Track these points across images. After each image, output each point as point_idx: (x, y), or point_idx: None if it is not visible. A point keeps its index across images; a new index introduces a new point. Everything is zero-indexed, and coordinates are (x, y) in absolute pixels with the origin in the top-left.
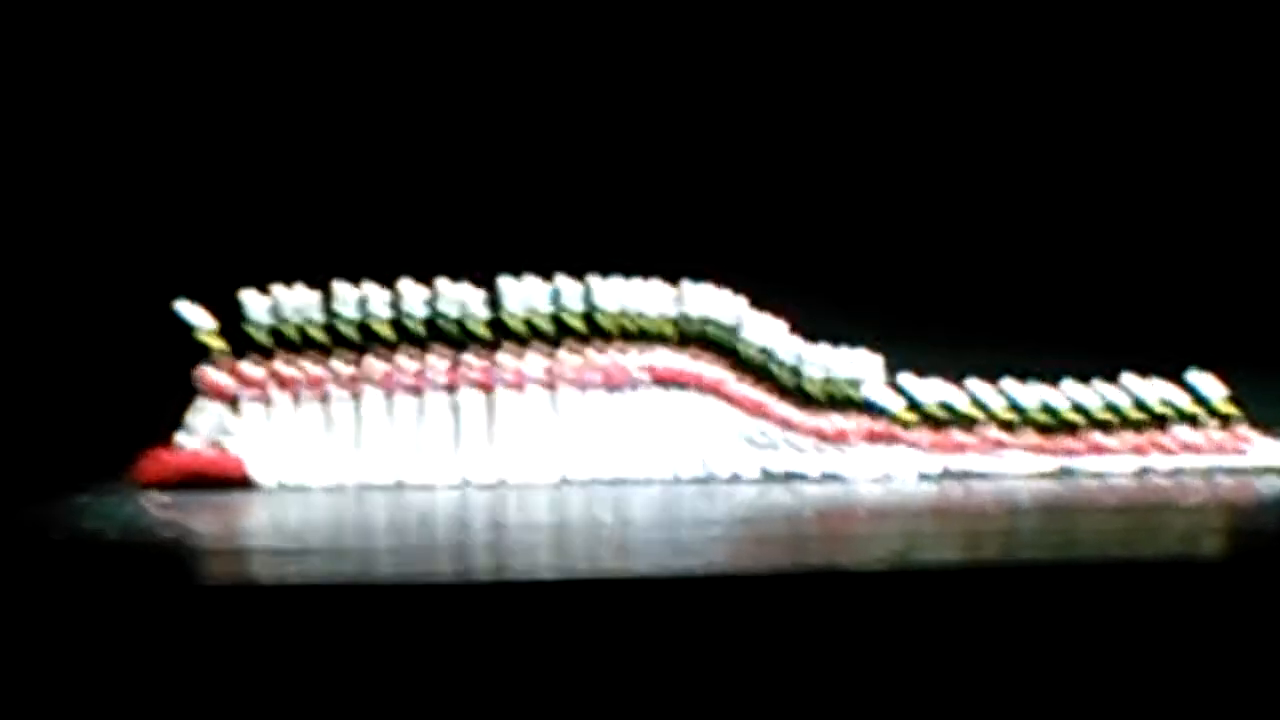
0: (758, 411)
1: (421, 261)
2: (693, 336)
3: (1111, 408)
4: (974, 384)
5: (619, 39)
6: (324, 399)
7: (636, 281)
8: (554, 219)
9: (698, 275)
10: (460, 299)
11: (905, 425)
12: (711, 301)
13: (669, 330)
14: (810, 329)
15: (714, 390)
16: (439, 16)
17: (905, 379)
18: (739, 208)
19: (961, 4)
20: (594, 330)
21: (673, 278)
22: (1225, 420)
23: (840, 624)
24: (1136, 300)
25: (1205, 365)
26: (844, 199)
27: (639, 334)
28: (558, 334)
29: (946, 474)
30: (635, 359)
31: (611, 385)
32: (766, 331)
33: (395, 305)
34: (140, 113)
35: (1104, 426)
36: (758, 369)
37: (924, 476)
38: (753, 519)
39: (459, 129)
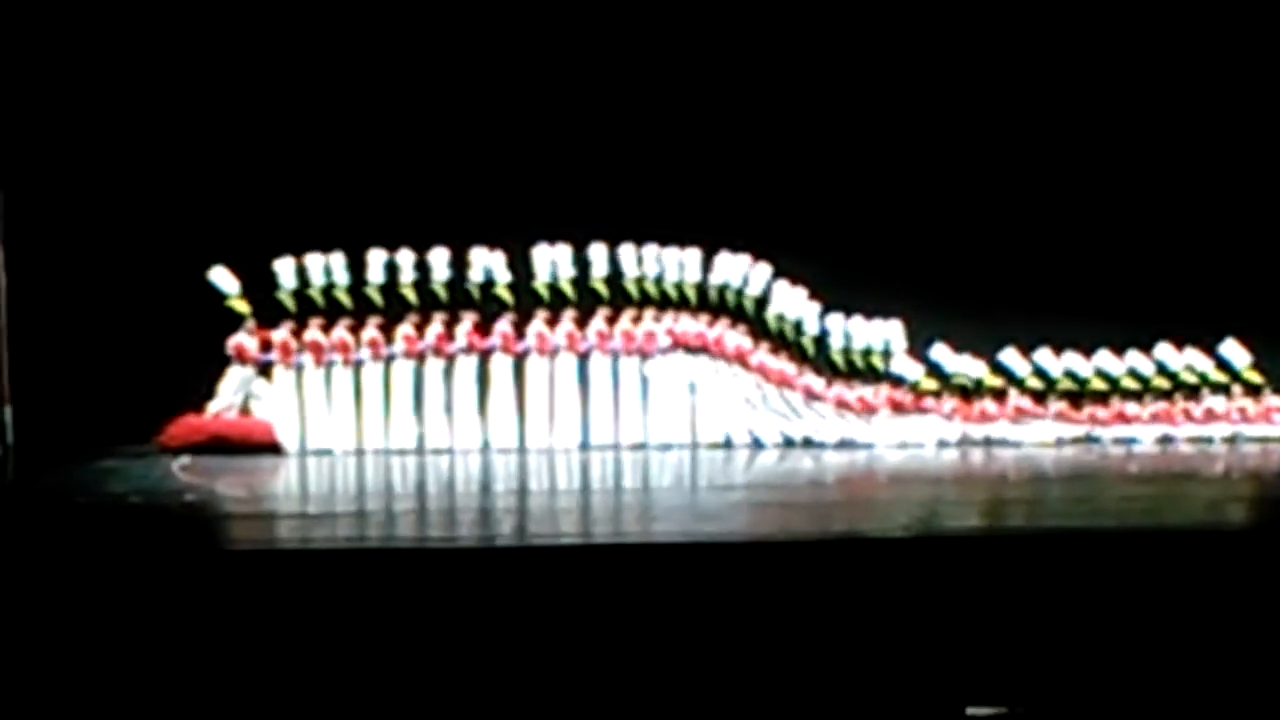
0: (781, 380)
1: (450, 229)
2: (717, 305)
3: (1138, 376)
4: (1003, 354)
5: (659, 15)
6: (352, 365)
7: (663, 249)
8: (583, 188)
9: (726, 244)
10: (487, 266)
11: (930, 394)
12: (738, 270)
13: (692, 297)
14: (844, 300)
15: (737, 359)
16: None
17: (937, 350)
18: (774, 178)
19: None
20: (619, 297)
21: (701, 246)
22: (1253, 389)
23: (862, 589)
24: (1175, 271)
25: (1237, 335)
26: (886, 172)
27: (663, 301)
28: (583, 301)
29: (968, 441)
30: (659, 326)
31: (636, 351)
32: (793, 301)
33: (422, 272)
34: (174, 89)
35: (1131, 395)
36: (781, 338)
37: (944, 443)
38: (775, 485)
39: (493, 102)
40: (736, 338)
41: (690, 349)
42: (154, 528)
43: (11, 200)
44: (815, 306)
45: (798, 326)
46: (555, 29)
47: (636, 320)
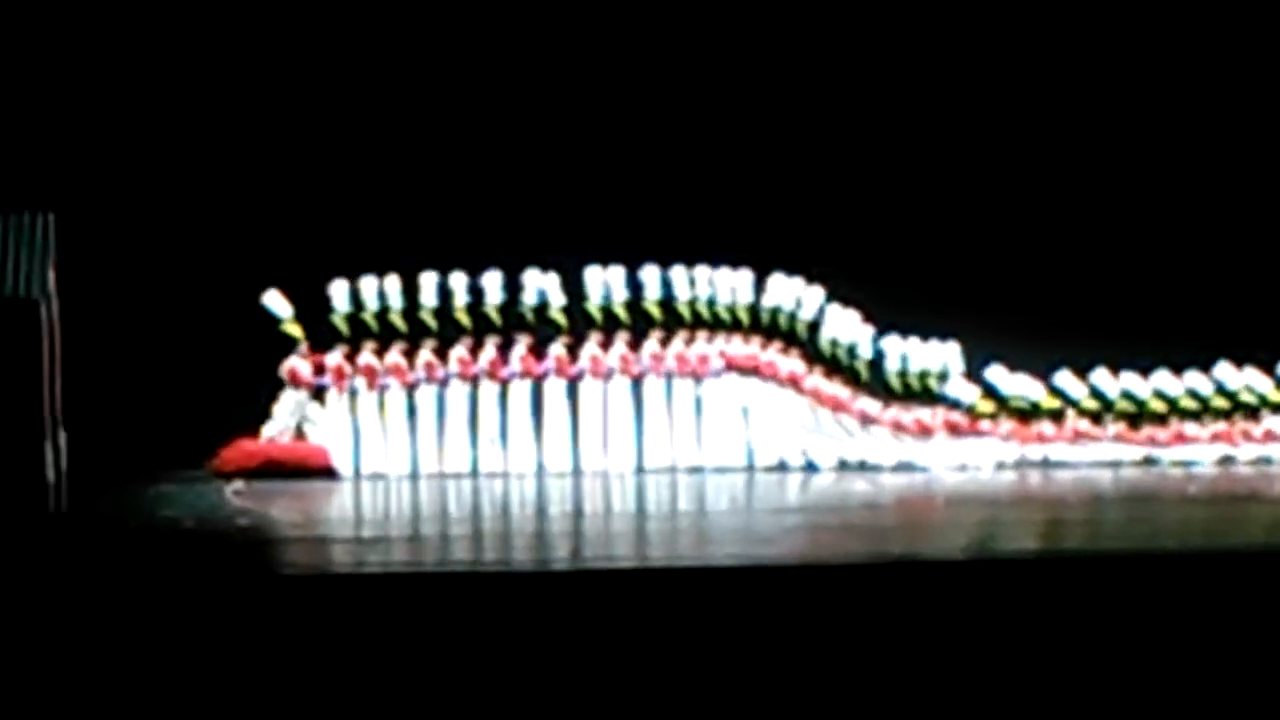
0: (835, 405)
1: (503, 252)
2: (769, 327)
3: (1197, 397)
4: (1060, 376)
5: (717, 35)
6: (407, 388)
7: (715, 272)
8: (636, 210)
9: (779, 266)
10: (541, 288)
11: (986, 417)
12: (791, 293)
13: (745, 319)
14: (899, 322)
15: (790, 382)
16: (516, 20)
17: (993, 371)
18: (829, 199)
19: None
20: (672, 319)
21: (753, 268)
22: None
23: (919, 612)
24: (1234, 290)
25: None
26: (942, 193)
27: (715, 323)
28: (637, 323)
29: (1025, 463)
30: (712, 348)
31: (689, 374)
32: (847, 325)
33: (475, 295)
34: (230, 115)
35: (1190, 416)
36: (835, 362)
37: (1001, 465)
38: (830, 508)
39: (546, 125)
40: (790, 362)
41: (743, 371)
42: (208, 553)
43: (65, 224)
44: (869, 329)
45: (851, 350)
46: (612, 51)
47: (689, 343)
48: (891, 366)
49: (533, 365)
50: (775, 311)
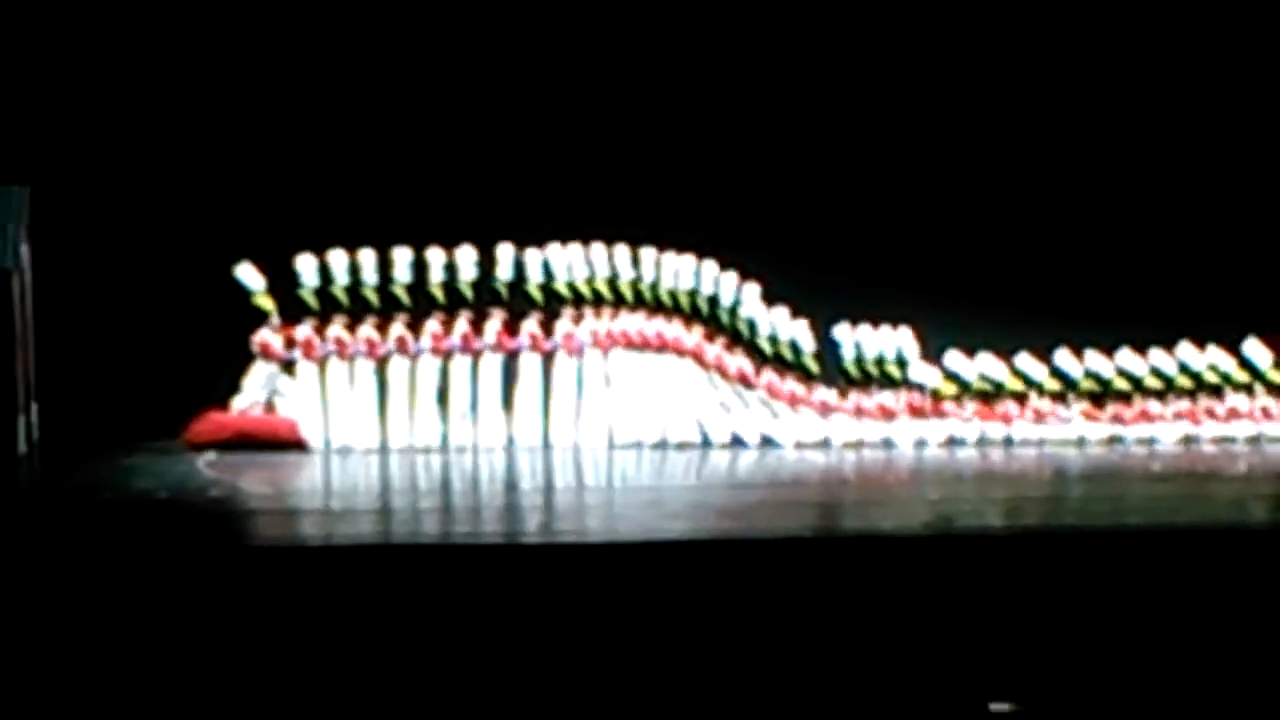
0: (792, 400)
1: (477, 227)
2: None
3: (1161, 376)
4: (1021, 358)
5: (659, 33)
6: (377, 362)
7: (661, 255)
8: (606, 190)
9: (717, 254)
10: (517, 262)
11: (949, 399)
12: (728, 286)
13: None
14: (855, 310)
15: (742, 380)
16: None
17: (952, 357)
18: (770, 187)
19: None
20: (638, 300)
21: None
22: (1276, 389)
23: (881, 588)
24: (1198, 269)
25: (1260, 334)
26: (909, 183)
27: (638, 301)
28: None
29: (986, 441)
30: (631, 324)
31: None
32: (782, 319)
33: (450, 272)
34: (198, 86)
35: (1154, 395)
36: (781, 360)
37: (958, 442)
38: (790, 482)
39: (517, 98)
40: (739, 360)
41: (678, 353)
42: (180, 523)
43: (38, 196)
44: (803, 322)
45: (794, 345)
46: (588, 35)
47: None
48: (847, 355)
49: (506, 340)
50: (713, 301)
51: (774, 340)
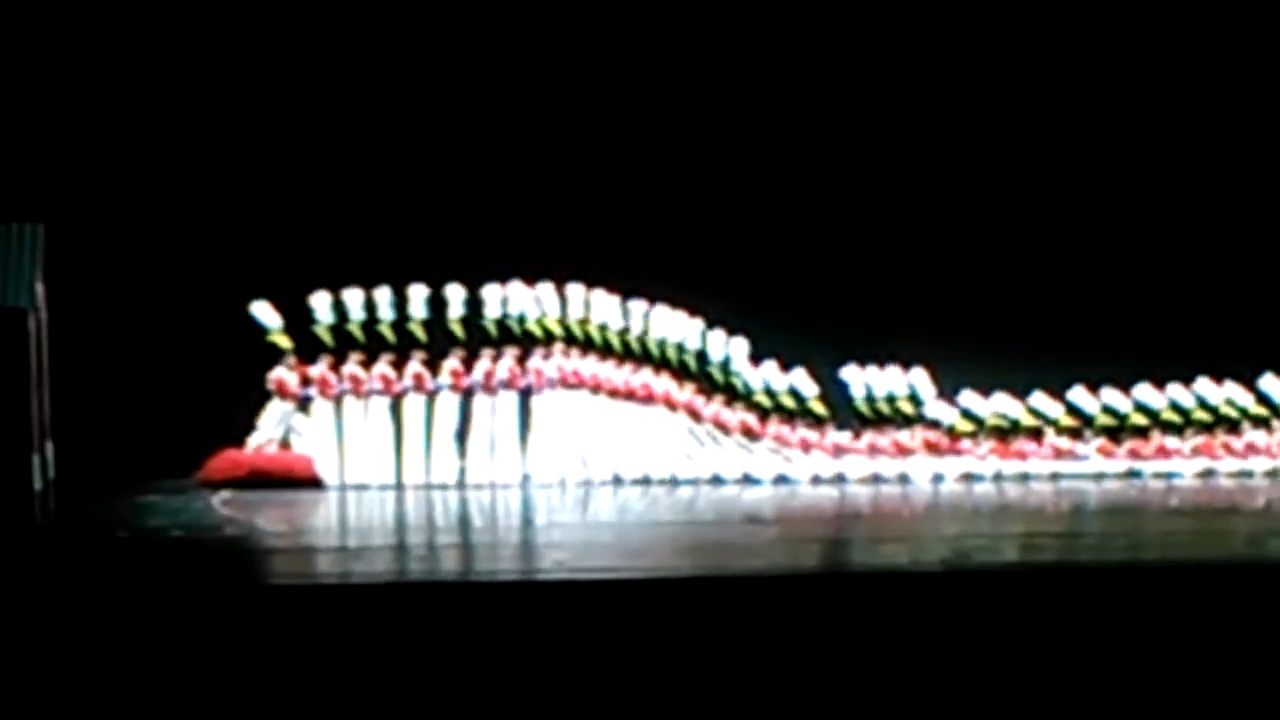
0: (804, 446)
1: (483, 265)
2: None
3: (1179, 411)
4: (1036, 397)
5: (642, 55)
6: (393, 399)
7: (654, 308)
8: (608, 232)
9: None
10: (535, 299)
11: (965, 436)
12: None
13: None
14: (878, 350)
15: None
16: (497, 32)
17: (967, 395)
18: (790, 229)
19: (993, 16)
20: (628, 352)
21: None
22: None
23: (899, 623)
24: (1216, 305)
25: (1277, 369)
26: (925, 225)
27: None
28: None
29: (1001, 478)
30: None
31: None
32: (774, 371)
33: (473, 307)
34: (217, 126)
35: (1172, 430)
36: (785, 410)
37: (975, 478)
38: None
39: (534, 137)
40: (727, 411)
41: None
42: (194, 561)
43: (54, 235)
44: (800, 371)
45: (795, 392)
46: (590, 62)
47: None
48: (857, 395)
49: (517, 377)
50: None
51: (770, 393)
